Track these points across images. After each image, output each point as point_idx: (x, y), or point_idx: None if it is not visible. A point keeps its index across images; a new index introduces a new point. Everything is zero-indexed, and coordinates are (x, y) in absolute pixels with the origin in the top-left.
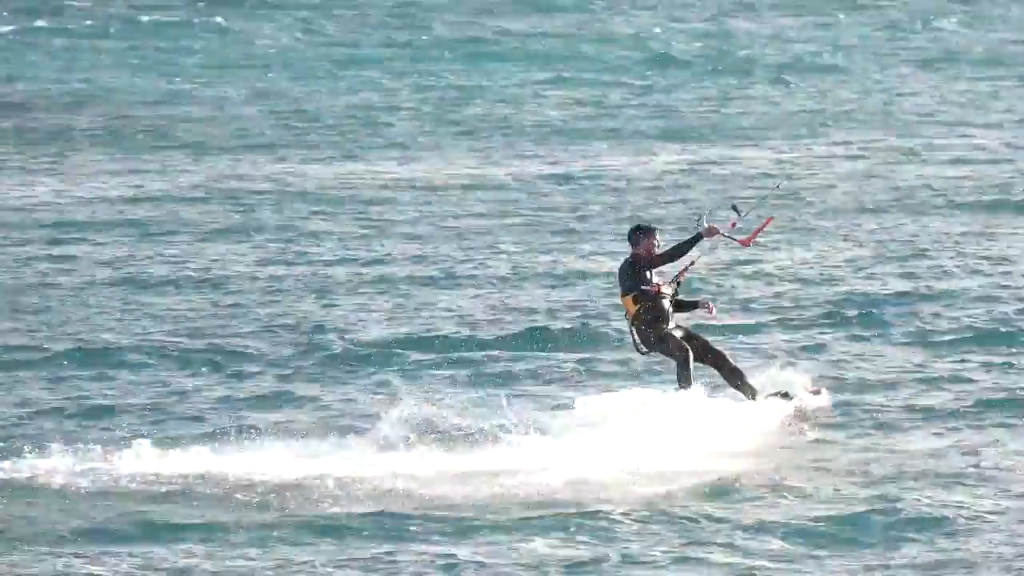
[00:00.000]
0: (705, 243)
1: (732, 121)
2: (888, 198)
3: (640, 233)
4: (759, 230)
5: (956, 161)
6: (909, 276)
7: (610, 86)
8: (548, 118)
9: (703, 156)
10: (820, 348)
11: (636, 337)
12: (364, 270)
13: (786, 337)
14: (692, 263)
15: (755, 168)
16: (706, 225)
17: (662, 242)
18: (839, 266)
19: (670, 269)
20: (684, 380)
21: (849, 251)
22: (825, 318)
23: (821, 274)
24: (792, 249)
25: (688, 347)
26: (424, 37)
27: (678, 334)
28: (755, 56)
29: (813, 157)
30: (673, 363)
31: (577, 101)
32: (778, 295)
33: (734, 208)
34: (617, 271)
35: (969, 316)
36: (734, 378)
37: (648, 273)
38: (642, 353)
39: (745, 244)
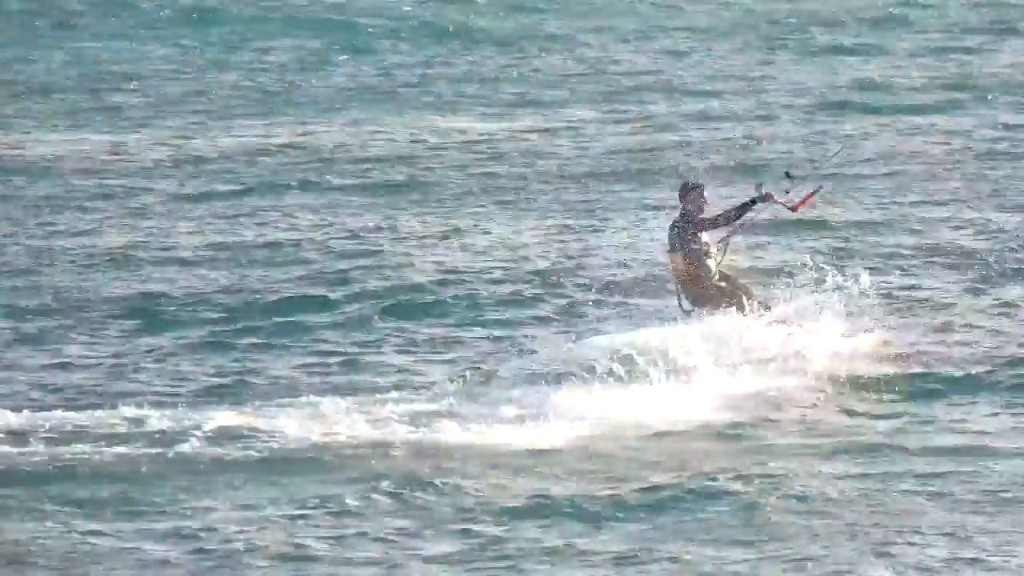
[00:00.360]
0: (760, 207)
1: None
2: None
3: (692, 190)
4: (808, 197)
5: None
6: None
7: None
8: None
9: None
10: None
11: (683, 295)
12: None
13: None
14: (742, 225)
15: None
16: (763, 192)
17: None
18: None
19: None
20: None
21: None
22: None
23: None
24: None
25: (738, 291)
26: None
27: (722, 284)
28: None
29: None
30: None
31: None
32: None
33: (787, 175)
34: (668, 228)
35: None
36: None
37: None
38: (685, 311)
39: (794, 210)
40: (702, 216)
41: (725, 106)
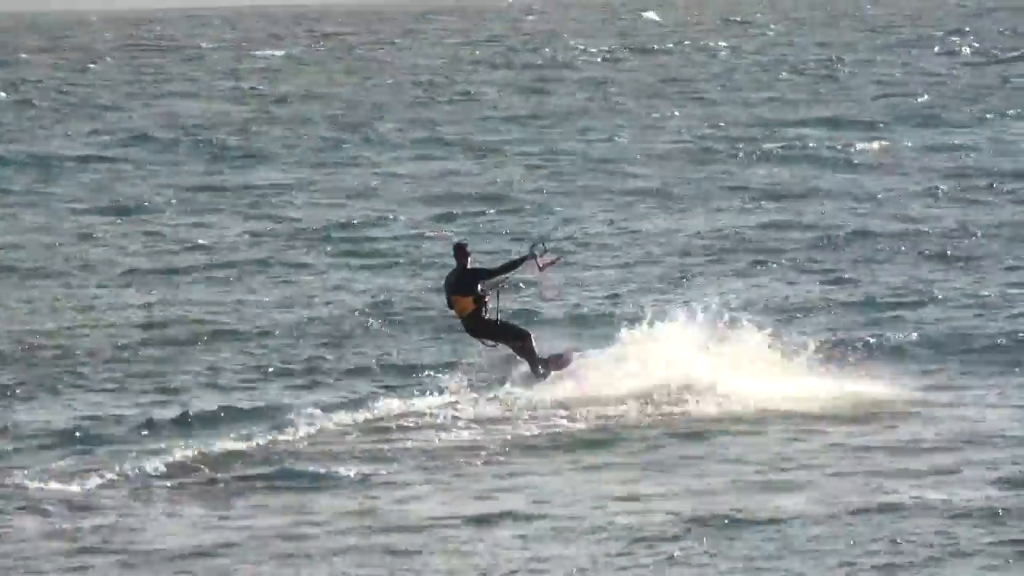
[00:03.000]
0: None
1: None
2: None
3: (464, 249)
4: (551, 263)
5: None
6: None
7: None
8: None
9: None
10: None
11: (475, 331)
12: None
13: None
14: (507, 277)
15: None
16: (533, 251)
17: None
18: None
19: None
20: (535, 359)
21: None
22: None
23: None
24: None
25: (521, 330)
26: None
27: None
28: None
29: None
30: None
31: None
32: None
33: (542, 244)
34: (448, 281)
35: None
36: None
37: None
38: (486, 345)
39: (541, 269)
40: (486, 267)
41: None
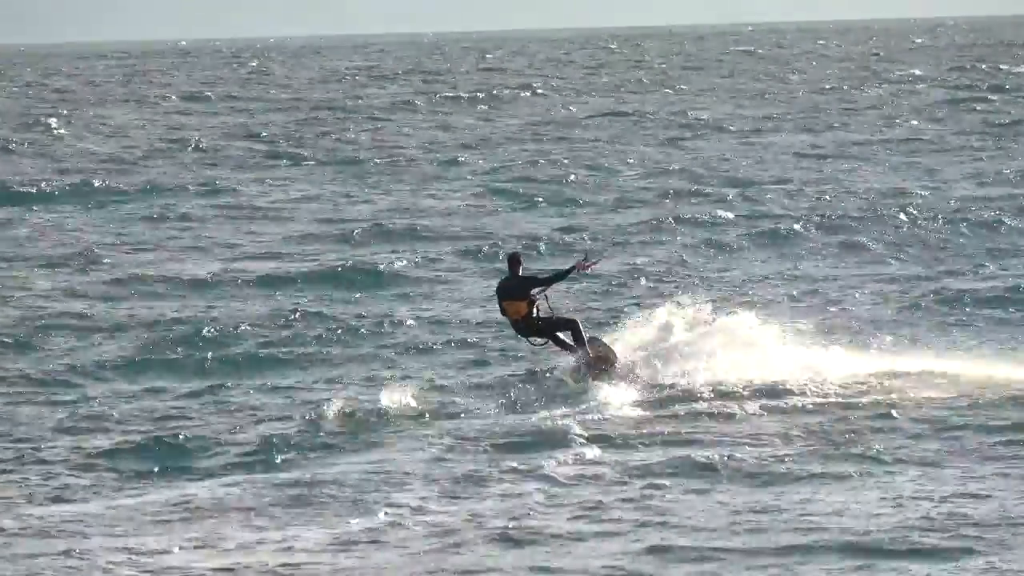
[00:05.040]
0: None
1: None
2: None
3: (518, 258)
4: (591, 265)
5: None
6: None
7: None
8: None
9: None
10: None
11: (526, 332)
12: None
13: None
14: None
15: None
16: (582, 263)
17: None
18: None
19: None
20: (583, 345)
21: None
22: None
23: None
24: None
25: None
26: None
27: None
28: None
29: None
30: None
31: None
32: None
33: (586, 255)
34: (502, 287)
35: None
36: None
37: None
38: (534, 344)
39: (583, 270)
40: (537, 275)
41: None
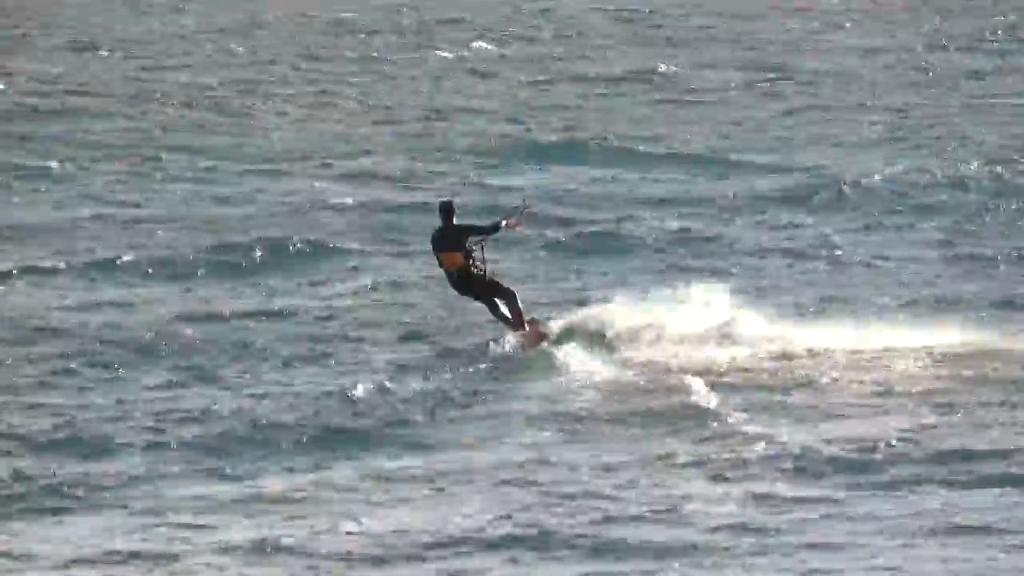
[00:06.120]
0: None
1: None
2: None
3: (452, 207)
4: (519, 222)
5: None
6: None
7: None
8: None
9: None
10: None
11: (464, 288)
12: None
13: None
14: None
15: None
16: (512, 220)
17: None
18: None
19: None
20: (520, 319)
21: None
22: None
23: None
24: None
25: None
26: None
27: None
28: None
29: None
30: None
31: None
32: None
33: (519, 209)
34: (436, 239)
35: None
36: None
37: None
38: (462, 293)
39: (512, 227)
40: (474, 224)
41: None
